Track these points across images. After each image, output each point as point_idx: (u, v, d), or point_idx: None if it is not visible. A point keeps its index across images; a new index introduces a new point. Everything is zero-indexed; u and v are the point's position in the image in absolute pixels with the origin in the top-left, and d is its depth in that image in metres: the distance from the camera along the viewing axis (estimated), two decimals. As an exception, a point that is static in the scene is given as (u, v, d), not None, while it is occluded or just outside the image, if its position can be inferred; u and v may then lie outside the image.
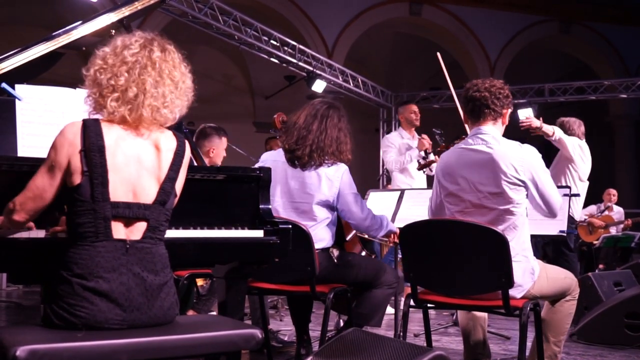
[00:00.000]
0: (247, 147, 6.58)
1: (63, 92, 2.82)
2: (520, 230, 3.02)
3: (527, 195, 3.05)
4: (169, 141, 2.26)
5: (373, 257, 4.61)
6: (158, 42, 2.28)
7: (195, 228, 2.78)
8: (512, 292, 2.89)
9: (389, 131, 13.68)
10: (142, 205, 2.16)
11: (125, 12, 3.38)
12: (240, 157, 6.50)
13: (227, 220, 2.91)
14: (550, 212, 3.07)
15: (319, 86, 10.34)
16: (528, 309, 2.89)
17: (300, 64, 10.14)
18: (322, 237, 3.62)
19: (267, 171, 3.08)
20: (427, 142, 6.43)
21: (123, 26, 3.36)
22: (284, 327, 5.42)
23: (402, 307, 4.20)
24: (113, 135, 2.16)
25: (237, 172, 3.14)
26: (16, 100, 2.72)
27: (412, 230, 3.16)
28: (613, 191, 9.29)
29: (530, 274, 2.97)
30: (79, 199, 2.10)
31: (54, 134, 2.66)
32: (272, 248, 2.89)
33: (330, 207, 3.65)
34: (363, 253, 4.51)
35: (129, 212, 2.14)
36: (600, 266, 8.42)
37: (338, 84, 11.43)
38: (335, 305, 3.78)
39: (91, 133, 2.13)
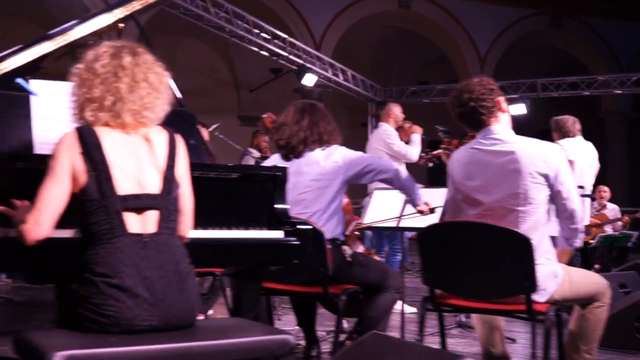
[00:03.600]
0: (232, 141, 6.58)
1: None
2: (542, 232, 2.98)
3: (549, 196, 3.00)
4: (158, 134, 2.29)
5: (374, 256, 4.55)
6: (128, 48, 2.30)
7: (211, 228, 2.72)
8: (535, 296, 2.85)
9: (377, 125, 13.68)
10: (150, 196, 2.17)
11: (135, 5, 3.28)
12: (226, 149, 6.46)
13: (242, 220, 2.86)
14: (571, 217, 3.02)
15: (309, 80, 10.30)
16: (552, 313, 2.85)
17: (291, 57, 10.08)
18: (330, 226, 3.57)
19: (283, 170, 3.03)
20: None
21: (134, 20, 3.28)
22: (282, 327, 5.36)
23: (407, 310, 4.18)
24: (107, 136, 2.19)
25: (253, 170, 3.10)
26: (31, 95, 2.63)
27: (431, 233, 3.12)
28: (605, 188, 9.27)
29: (553, 277, 2.93)
30: (88, 198, 2.11)
31: (67, 129, 2.62)
32: (292, 249, 2.84)
33: (335, 190, 3.60)
34: (361, 249, 4.48)
35: (139, 203, 2.15)
36: (596, 266, 8.40)
37: (327, 77, 11.38)
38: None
39: (87, 135, 2.17)
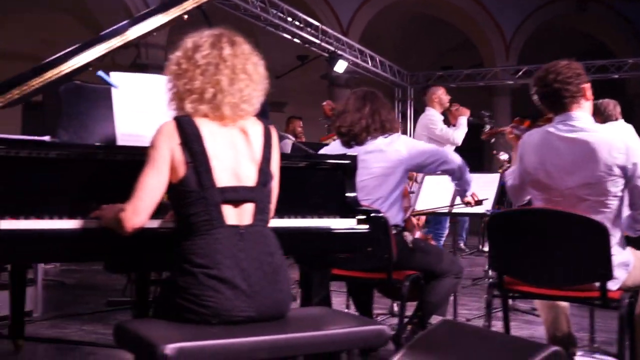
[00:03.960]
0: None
1: (156, 79, 2.77)
2: (615, 223, 2.97)
3: (623, 188, 2.95)
4: (254, 126, 2.30)
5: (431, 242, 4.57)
6: (227, 36, 2.30)
7: (286, 217, 2.75)
8: (608, 284, 2.86)
9: (403, 111, 13.67)
10: (247, 188, 2.19)
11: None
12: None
13: (314, 209, 2.87)
14: None
15: (340, 66, 10.30)
16: (626, 300, 2.86)
17: (323, 44, 10.09)
18: (392, 213, 3.61)
19: (353, 158, 3.05)
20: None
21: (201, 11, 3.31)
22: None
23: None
24: (205, 127, 2.19)
25: (323, 159, 3.12)
26: (112, 88, 2.67)
27: (502, 219, 3.13)
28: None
29: (624, 266, 2.94)
30: (187, 190, 2.13)
31: (149, 122, 2.66)
32: (365, 237, 2.86)
33: (397, 179, 3.63)
34: (418, 234, 4.51)
35: (237, 196, 2.16)
36: None
37: (356, 63, 11.37)
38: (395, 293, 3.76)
39: (186, 126, 2.17)
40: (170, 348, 1.81)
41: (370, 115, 3.67)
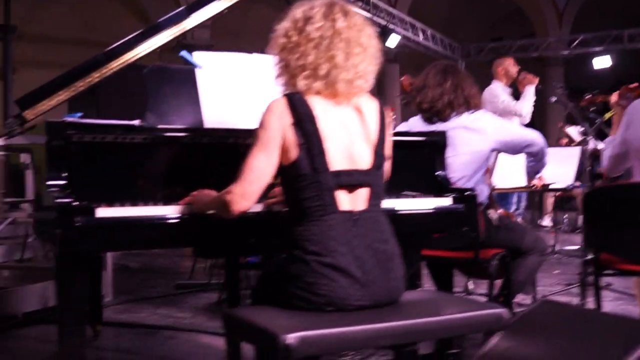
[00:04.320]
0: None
1: (240, 57, 2.68)
2: None
3: None
4: (369, 103, 2.16)
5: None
6: (339, 6, 2.14)
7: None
8: None
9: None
10: (362, 172, 2.07)
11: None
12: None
13: (406, 189, 2.78)
14: None
15: (393, 41, 10.13)
16: None
17: (374, 18, 9.92)
18: (477, 192, 3.49)
19: (442, 134, 2.94)
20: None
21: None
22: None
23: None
24: (318, 105, 2.06)
25: (411, 136, 3.02)
26: (196, 68, 2.59)
27: (599, 195, 3.00)
28: None
29: None
30: (299, 173, 2.01)
31: (234, 102, 2.59)
32: (461, 217, 2.75)
33: (482, 157, 3.50)
34: (500, 212, 4.37)
35: (351, 180, 2.05)
36: None
37: (407, 37, 11.17)
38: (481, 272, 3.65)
39: (298, 104, 2.03)
40: (292, 337, 1.74)
41: (453, 90, 3.50)
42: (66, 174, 2.21)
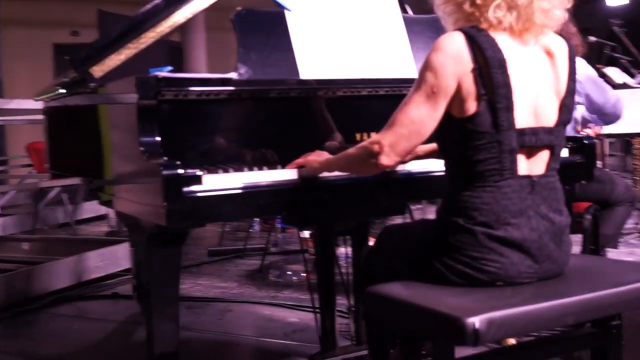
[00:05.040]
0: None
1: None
2: None
3: None
4: (559, 44, 1.78)
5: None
6: None
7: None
8: None
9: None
10: (546, 130, 1.72)
11: None
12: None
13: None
14: None
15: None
16: None
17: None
18: None
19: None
20: None
21: None
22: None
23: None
24: (506, 46, 1.67)
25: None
26: (285, 11, 2.26)
27: None
28: None
29: None
30: (477, 130, 1.65)
31: (331, 50, 2.27)
32: (579, 168, 2.47)
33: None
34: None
35: (535, 140, 1.69)
36: None
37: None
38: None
39: (485, 45, 1.64)
40: (478, 320, 1.45)
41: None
42: (159, 138, 1.91)
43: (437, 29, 2.55)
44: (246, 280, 4.44)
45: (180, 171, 1.77)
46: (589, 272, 1.81)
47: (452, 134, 1.71)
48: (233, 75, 2.06)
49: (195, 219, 1.84)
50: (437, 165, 2.08)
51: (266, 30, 2.22)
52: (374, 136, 1.74)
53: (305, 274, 4.33)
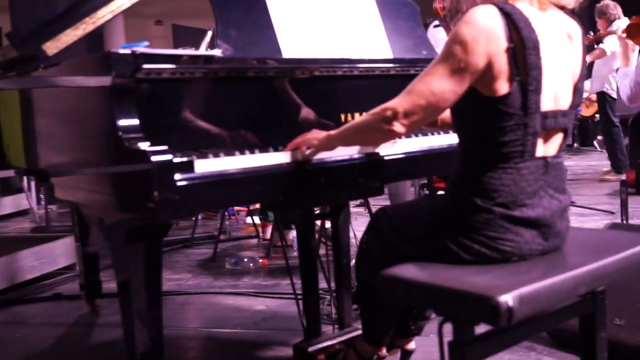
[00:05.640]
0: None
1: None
2: None
3: None
4: (575, 28, 1.76)
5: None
6: None
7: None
8: None
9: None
10: (562, 112, 1.70)
11: None
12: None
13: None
14: None
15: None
16: None
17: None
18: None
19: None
20: None
21: None
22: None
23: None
24: (539, 26, 1.63)
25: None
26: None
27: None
28: None
29: None
30: (506, 111, 1.59)
31: (311, 28, 2.17)
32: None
33: None
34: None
35: (554, 123, 1.67)
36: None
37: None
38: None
39: (519, 23, 1.58)
40: (511, 297, 1.41)
41: None
42: (138, 121, 1.75)
43: (411, 11, 2.54)
44: (200, 270, 4.29)
45: (171, 157, 1.64)
46: (589, 244, 1.83)
47: (479, 112, 1.65)
48: (217, 52, 1.93)
49: (187, 209, 1.73)
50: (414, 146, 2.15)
51: (245, 6, 2.10)
52: (388, 103, 1.68)
53: (261, 260, 4.24)
